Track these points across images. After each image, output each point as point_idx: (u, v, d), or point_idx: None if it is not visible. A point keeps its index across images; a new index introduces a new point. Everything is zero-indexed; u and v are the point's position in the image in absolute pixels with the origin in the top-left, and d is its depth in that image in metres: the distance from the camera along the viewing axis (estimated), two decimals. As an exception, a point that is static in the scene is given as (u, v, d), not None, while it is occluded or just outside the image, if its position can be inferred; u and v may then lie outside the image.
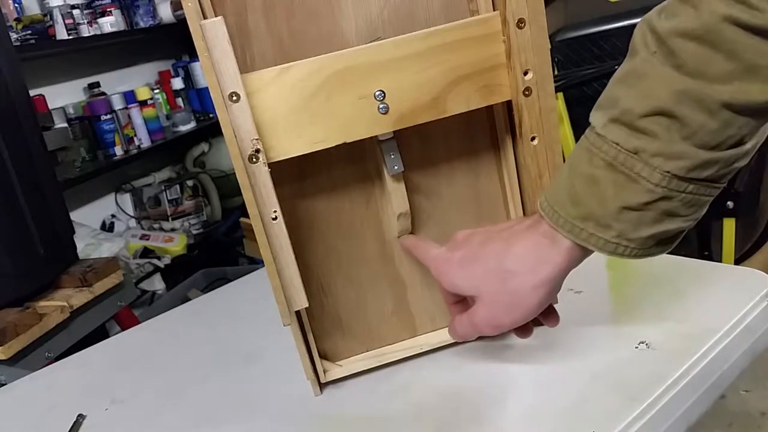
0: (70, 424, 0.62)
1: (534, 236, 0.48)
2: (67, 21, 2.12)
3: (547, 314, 0.55)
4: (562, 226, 0.46)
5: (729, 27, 0.37)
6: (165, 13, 2.45)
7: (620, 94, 0.43)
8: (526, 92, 0.52)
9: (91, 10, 2.23)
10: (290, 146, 0.51)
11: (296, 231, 0.56)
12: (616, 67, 0.45)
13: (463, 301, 0.55)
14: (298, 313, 0.55)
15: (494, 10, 0.52)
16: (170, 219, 2.44)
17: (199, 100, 2.69)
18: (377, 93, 0.50)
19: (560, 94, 1.39)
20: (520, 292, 0.48)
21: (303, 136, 0.50)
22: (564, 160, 0.50)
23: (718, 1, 0.38)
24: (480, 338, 0.60)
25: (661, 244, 0.45)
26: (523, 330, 0.55)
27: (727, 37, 0.38)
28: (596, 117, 0.44)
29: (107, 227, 2.39)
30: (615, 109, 0.43)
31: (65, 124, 2.17)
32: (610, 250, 0.44)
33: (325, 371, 0.58)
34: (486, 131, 0.58)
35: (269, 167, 0.49)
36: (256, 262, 2.24)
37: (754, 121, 0.40)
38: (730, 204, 1.32)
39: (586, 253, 0.47)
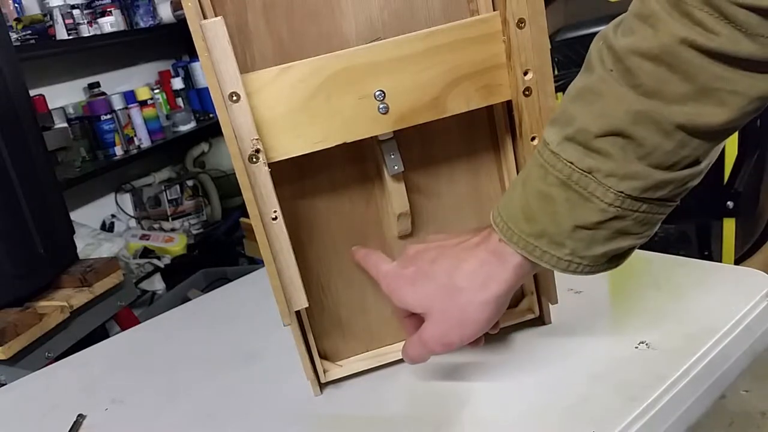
0: (70, 424, 0.62)
1: (483, 254, 0.48)
2: (67, 21, 2.12)
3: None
4: (516, 243, 0.46)
5: (686, 49, 0.38)
6: (165, 13, 2.45)
7: (576, 112, 0.43)
8: (526, 92, 0.52)
9: (91, 10, 2.23)
10: (290, 146, 0.51)
11: (296, 231, 0.56)
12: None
13: (416, 315, 0.54)
14: (298, 313, 0.55)
15: (494, 10, 0.52)
16: (170, 219, 2.44)
17: (199, 100, 2.70)
18: (377, 93, 0.50)
19: (560, 94, 1.38)
20: (469, 308, 0.48)
21: (303, 136, 0.50)
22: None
23: (676, 23, 0.38)
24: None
25: (613, 260, 0.46)
26: (474, 342, 0.54)
27: (684, 58, 0.38)
28: (551, 133, 0.44)
29: (107, 227, 2.39)
30: (570, 128, 0.43)
31: (65, 124, 2.17)
32: (562, 267, 0.45)
33: (325, 371, 0.58)
34: (486, 131, 0.58)
35: (269, 167, 0.49)
36: (256, 262, 2.24)
37: (708, 143, 0.41)
38: (730, 204, 1.32)
39: (534, 268, 0.47)
